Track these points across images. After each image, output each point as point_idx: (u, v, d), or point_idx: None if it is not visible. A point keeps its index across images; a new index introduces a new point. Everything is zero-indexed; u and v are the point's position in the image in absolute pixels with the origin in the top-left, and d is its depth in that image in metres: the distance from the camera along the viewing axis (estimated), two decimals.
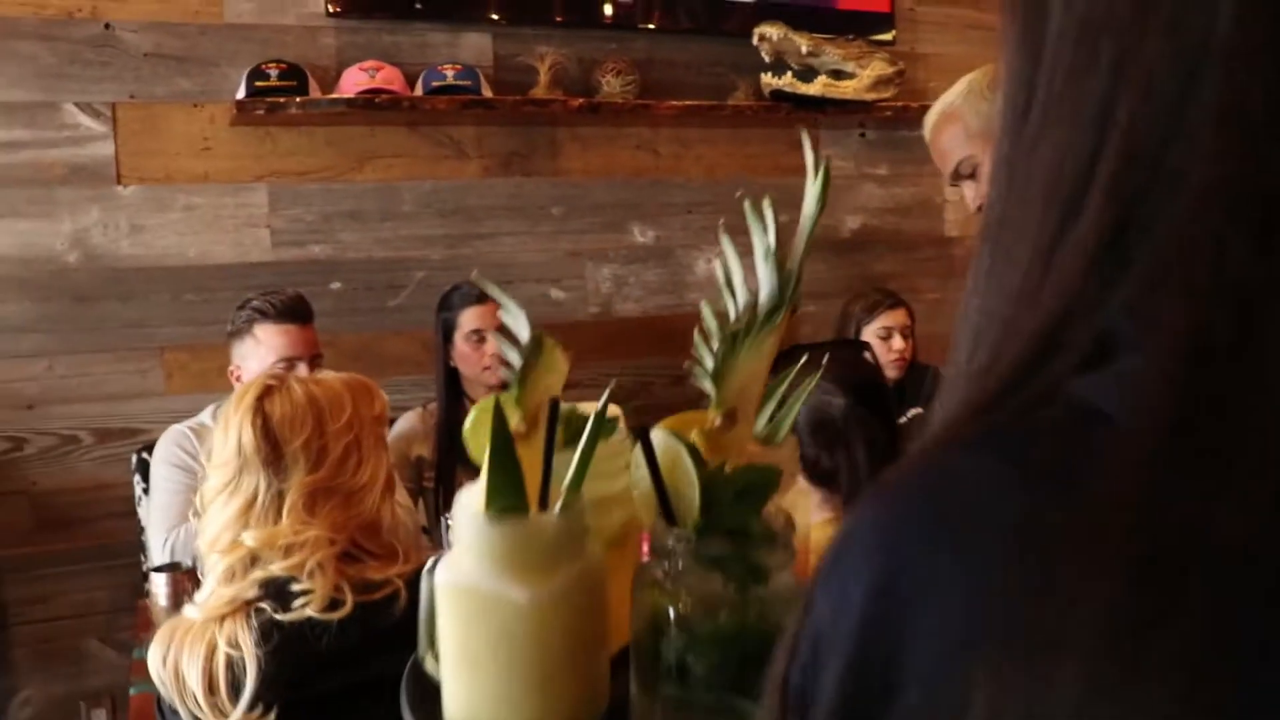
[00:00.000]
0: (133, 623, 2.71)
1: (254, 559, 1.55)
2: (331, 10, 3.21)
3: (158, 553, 2.51)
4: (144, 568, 2.63)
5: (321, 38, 3.24)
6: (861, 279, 3.78)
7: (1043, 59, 0.48)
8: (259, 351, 2.64)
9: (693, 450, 0.76)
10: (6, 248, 3.01)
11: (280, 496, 1.56)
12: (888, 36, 3.79)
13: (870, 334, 3.32)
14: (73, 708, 3.10)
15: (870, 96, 3.59)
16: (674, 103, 3.47)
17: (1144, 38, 0.44)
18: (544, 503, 0.77)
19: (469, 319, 2.98)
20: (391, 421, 3.25)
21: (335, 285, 3.27)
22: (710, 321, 0.82)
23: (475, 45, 3.40)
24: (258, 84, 3.04)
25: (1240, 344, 0.40)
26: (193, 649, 1.51)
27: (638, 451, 0.77)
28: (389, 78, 3.15)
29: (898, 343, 3.33)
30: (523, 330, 0.83)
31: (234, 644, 1.50)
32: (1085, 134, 0.45)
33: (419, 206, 3.34)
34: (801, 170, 0.81)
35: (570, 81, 3.42)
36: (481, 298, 2.99)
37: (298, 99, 3.04)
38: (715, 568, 0.73)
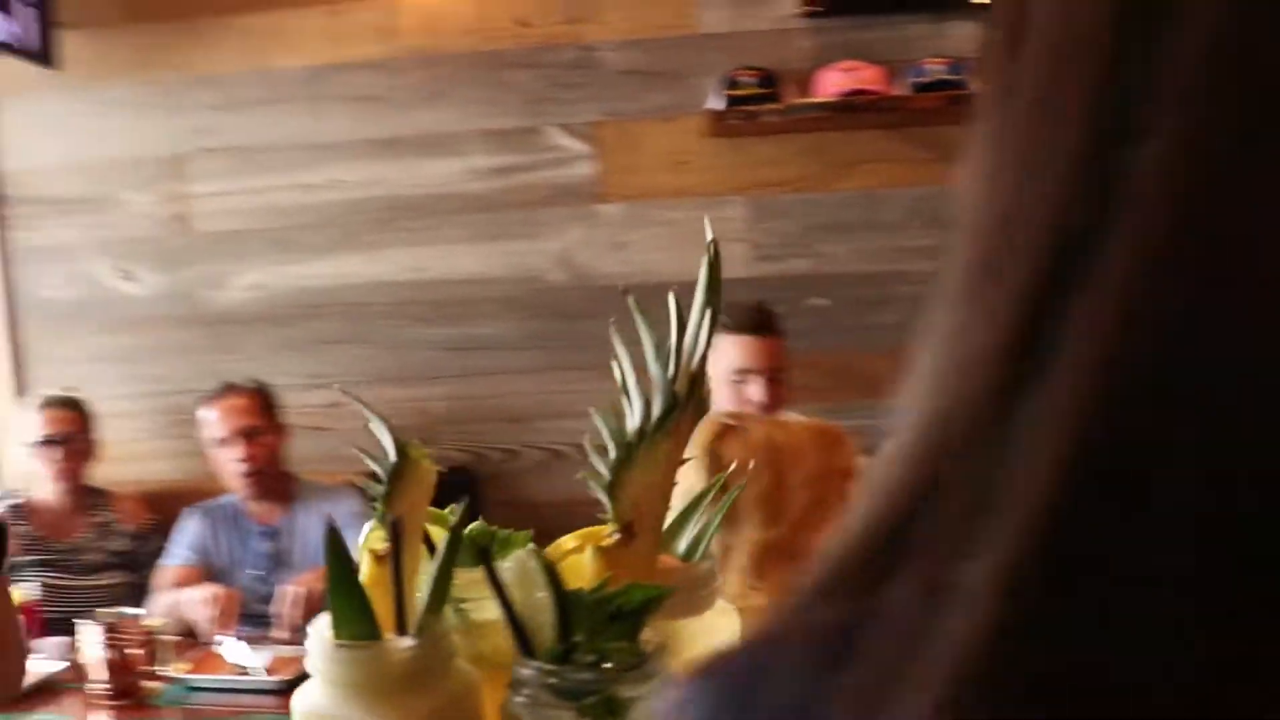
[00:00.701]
0: None
1: None
2: (806, 10, 2.99)
3: None
4: None
5: (794, 40, 3.02)
6: None
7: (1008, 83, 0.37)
8: (716, 361, 2.48)
9: (549, 569, 0.69)
10: (500, 269, 3.06)
11: (726, 553, 1.33)
12: None
13: None
14: None
15: None
16: None
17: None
18: (403, 627, 0.74)
19: None
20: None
21: (816, 301, 3.05)
22: (605, 430, 0.77)
23: (963, 36, 3.03)
24: (731, 92, 2.88)
25: None
26: None
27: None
28: (869, 77, 2.87)
29: None
30: (386, 441, 0.79)
31: None
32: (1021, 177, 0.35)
33: (905, 215, 3.02)
34: None
35: None
36: None
37: (777, 105, 2.85)
38: (570, 701, 0.66)
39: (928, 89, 2.86)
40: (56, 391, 2.85)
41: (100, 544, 2.82)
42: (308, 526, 2.72)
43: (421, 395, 3.12)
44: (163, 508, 2.90)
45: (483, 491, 3.10)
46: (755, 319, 2.46)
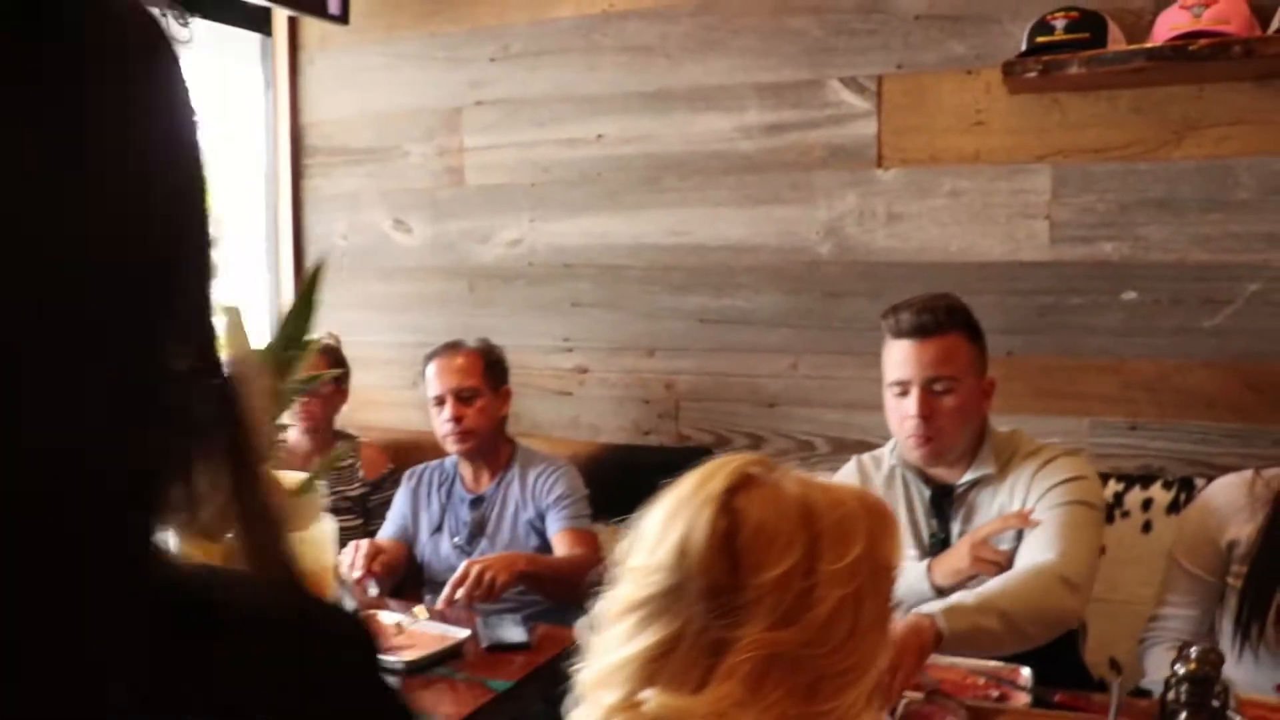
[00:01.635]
0: None
1: None
2: None
3: None
4: None
5: None
6: None
7: None
8: (884, 373, 2.01)
9: None
10: (766, 235, 2.72)
11: (718, 648, 0.91)
12: None
13: None
14: None
15: None
16: None
17: None
18: None
19: None
20: (1185, 489, 2.37)
21: (1128, 295, 2.46)
22: None
23: None
24: (1039, 39, 2.36)
25: None
26: None
27: None
28: (1224, 14, 2.24)
29: None
30: None
31: None
32: None
33: (1263, 193, 2.36)
34: None
35: None
36: None
37: (1081, 54, 2.29)
38: None
39: None
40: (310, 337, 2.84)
41: (337, 488, 2.79)
42: (511, 498, 2.53)
43: (669, 368, 2.84)
44: (407, 457, 2.82)
45: None
46: (919, 322, 1.93)
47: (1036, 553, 1.85)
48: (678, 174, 2.79)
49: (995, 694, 1.71)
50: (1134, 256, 2.45)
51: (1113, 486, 2.43)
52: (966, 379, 1.95)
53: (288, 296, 3.18)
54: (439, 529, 2.58)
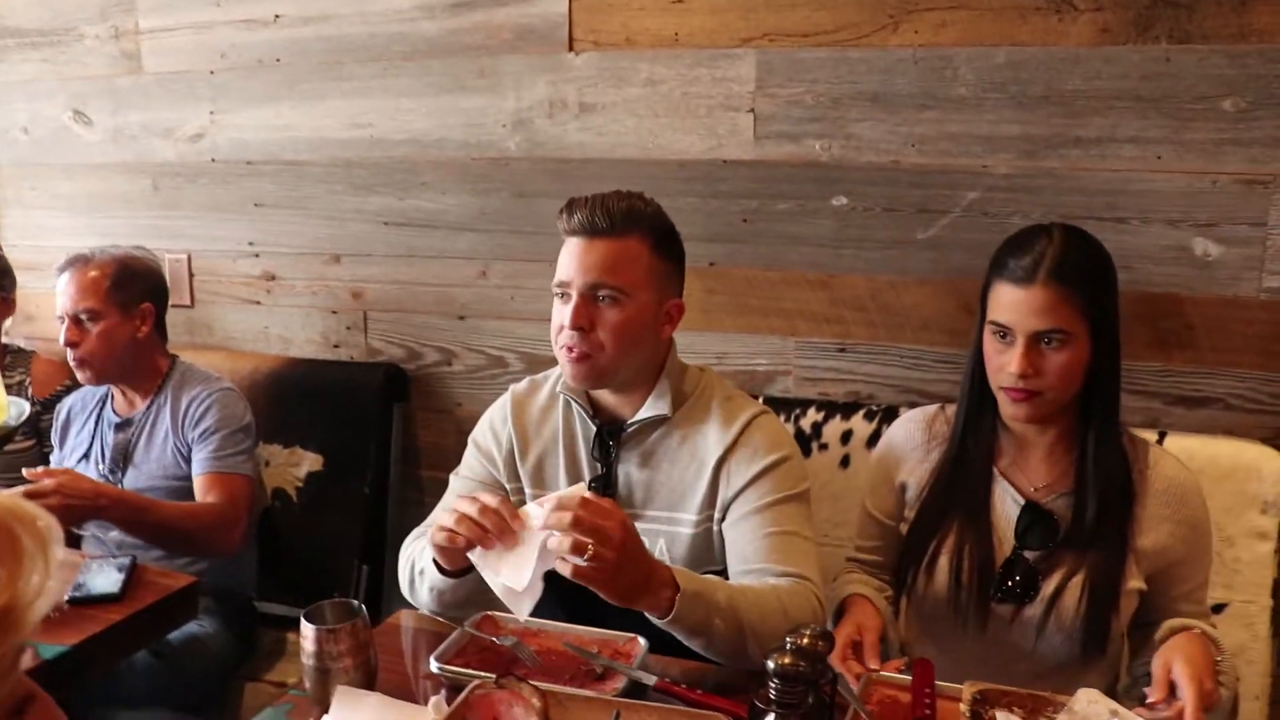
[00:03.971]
0: None
1: None
2: None
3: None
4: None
5: None
6: None
7: None
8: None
9: None
10: (451, 128, 2.19)
11: None
12: None
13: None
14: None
15: None
16: None
17: None
18: None
19: (1001, 299, 1.42)
20: (883, 419, 1.94)
21: (839, 201, 1.97)
22: None
23: None
24: None
25: None
26: None
27: None
28: None
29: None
30: None
31: None
32: None
33: (984, 89, 1.86)
34: None
35: None
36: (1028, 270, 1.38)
37: None
38: None
39: None
40: None
41: None
42: (161, 423, 2.04)
43: (356, 275, 2.32)
44: None
45: (414, 394, 2.32)
46: (586, 215, 1.42)
47: (775, 561, 1.38)
48: (357, 59, 2.22)
49: (599, 671, 1.28)
50: (845, 157, 1.95)
51: (813, 416, 1.98)
52: (639, 294, 1.42)
53: None
54: (85, 455, 2.09)
